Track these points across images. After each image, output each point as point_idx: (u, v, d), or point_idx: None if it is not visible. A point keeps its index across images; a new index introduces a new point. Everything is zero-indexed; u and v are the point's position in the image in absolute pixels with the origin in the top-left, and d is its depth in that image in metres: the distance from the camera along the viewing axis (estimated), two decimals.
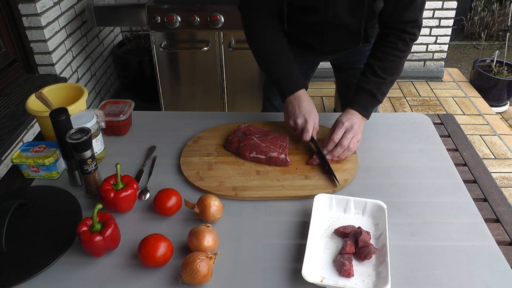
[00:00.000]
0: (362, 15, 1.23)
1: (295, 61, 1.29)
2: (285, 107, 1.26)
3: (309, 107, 1.22)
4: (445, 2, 3.25)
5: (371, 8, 1.21)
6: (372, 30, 1.35)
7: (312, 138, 1.20)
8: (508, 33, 3.45)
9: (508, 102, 3.32)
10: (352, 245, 0.89)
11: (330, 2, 1.20)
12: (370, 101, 1.20)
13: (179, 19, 2.31)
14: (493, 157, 2.65)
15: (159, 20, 2.32)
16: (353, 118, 1.17)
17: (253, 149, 1.16)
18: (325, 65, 1.66)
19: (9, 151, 1.87)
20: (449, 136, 1.32)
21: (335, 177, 1.09)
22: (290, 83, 1.25)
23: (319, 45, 1.40)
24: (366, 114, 1.20)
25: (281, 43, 1.29)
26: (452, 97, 3.31)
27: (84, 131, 0.98)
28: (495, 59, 3.34)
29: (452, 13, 3.32)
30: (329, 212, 1.00)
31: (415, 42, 1.22)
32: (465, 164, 1.20)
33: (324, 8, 1.23)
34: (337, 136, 1.14)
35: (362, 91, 1.21)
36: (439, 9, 3.29)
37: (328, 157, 1.14)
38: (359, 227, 0.92)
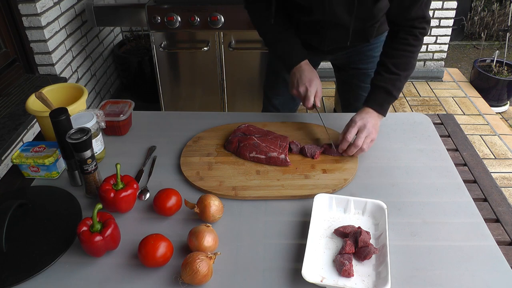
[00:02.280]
0: (360, 14, 1.23)
1: (295, 35, 1.34)
2: (290, 79, 1.33)
3: (310, 76, 1.28)
4: (445, 2, 3.25)
5: (370, 8, 1.21)
6: (371, 30, 1.35)
7: (314, 105, 1.26)
8: (508, 33, 3.45)
9: (508, 102, 3.32)
10: (352, 245, 0.89)
11: (326, 3, 1.20)
12: (386, 98, 1.21)
13: (179, 19, 2.31)
14: (493, 157, 2.65)
15: (159, 20, 2.32)
16: (367, 117, 1.17)
17: (253, 149, 1.16)
18: (325, 65, 1.67)
19: (9, 151, 1.87)
20: (449, 136, 1.32)
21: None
22: (293, 56, 1.33)
23: (318, 45, 1.40)
24: (382, 111, 1.21)
25: (281, 21, 1.34)
26: (452, 97, 3.31)
27: (84, 131, 0.98)
28: (495, 59, 3.34)
29: (452, 13, 3.32)
30: (329, 212, 1.00)
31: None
32: (465, 164, 1.20)
33: (320, 7, 1.23)
34: (351, 135, 1.15)
35: (377, 89, 1.21)
36: (439, 9, 3.29)
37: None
38: (359, 227, 0.92)
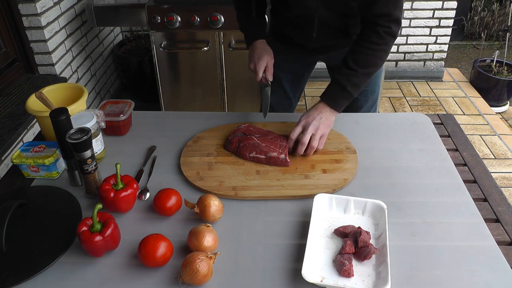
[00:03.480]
0: (333, 7, 1.23)
1: (261, 18, 1.43)
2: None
3: (260, 53, 1.31)
4: (445, 2, 3.25)
5: (346, 5, 1.21)
6: (355, 28, 1.33)
7: (266, 79, 1.29)
8: (508, 33, 3.45)
9: (508, 102, 3.32)
10: (352, 245, 0.89)
11: None
12: (339, 92, 1.19)
13: (179, 19, 2.31)
14: (493, 157, 2.65)
15: (159, 20, 2.32)
16: (314, 114, 1.17)
17: (253, 149, 1.16)
18: (324, 65, 1.67)
19: (9, 151, 1.87)
20: (449, 136, 1.32)
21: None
22: (250, 34, 1.40)
23: (304, 42, 1.41)
24: (335, 106, 1.19)
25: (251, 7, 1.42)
26: (452, 97, 3.31)
27: (84, 131, 0.98)
28: (495, 59, 3.34)
29: (452, 13, 3.32)
30: (329, 212, 1.00)
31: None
32: (465, 164, 1.20)
33: (295, 3, 1.25)
34: (294, 133, 1.15)
35: (332, 82, 1.21)
36: (439, 9, 3.29)
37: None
38: (359, 227, 0.92)
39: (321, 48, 1.44)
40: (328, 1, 1.22)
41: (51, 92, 1.31)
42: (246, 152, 1.17)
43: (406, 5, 3.25)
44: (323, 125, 1.16)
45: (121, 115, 1.28)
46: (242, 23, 1.44)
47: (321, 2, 1.23)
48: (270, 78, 1.29)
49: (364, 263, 0.87)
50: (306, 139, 1.14)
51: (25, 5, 2.18)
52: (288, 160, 1.15)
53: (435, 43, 3.45)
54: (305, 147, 1.15)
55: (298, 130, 1.15)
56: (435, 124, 1.37)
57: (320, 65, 1.65)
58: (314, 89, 3.42)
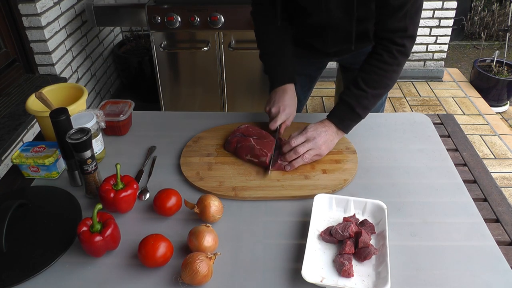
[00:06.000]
0: (359, 16, 1.21)
1: (291, 56, 1.30)
2: (269, 95, 1.28)
3: (289, 102, 1.24)
4: (445, 2, 3.25)
5: (368, 9, 1.19)
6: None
7: (277, 130, 1.22)
8: (508, 33, 3.45)
9: (508, 102, 3.32)
10: (352, 245, 0.89)
11: (322, 3, 1.18)
12: (348, 114, 1.15)
13: (179, 19, 2.31)
14: (493, 157, 2.65)
15: (159, 20, 2.32)
16: (322, 131, 1.13)
17: (249, 152, 1.16)
18: (328, 65, 1.67)
19: (9, 151, 1.87)
20: (449, 136, 1.32)
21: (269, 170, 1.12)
22: (281, 76, 1.28)
23: (322, 47, 1.39)
24: (343, 127, 1.16)
25: (280, 37, 1.30)
26: (452, 97, 3.31)
27: (84, 131, 0.98)
28: (495, 59, 3.34)
29: (452, 13, 3.32)
30: (329, 212, 1.00)
31: (409, 56, 1.15)
32: (465, 164, 1.20)
33: (317, 10, 1.21)
34: (296, 141, 1.11)
35: (341, 102, 1.16)
36: (439, 9, 3.29)
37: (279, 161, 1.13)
38: (359, 228, 0.92)
39: (337, 51, 1.41)
40: (346, 9, 1.17)
41: (51, 92, 1.31)
42: (243, 153, 1.17)
43: None
44: (325, 146, 1.13)
45: (121, 115, 1.28)
46: (270, 58, 1.30)
47: (344, 11, 1.18)
48: (281, 132, 1.22)
49: (364, 263, 0.87)
50: (302, 150, 1.10)
51: (25, 5, 2.18)
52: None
53: (435, 43, 3.45)
54: (296, 157, 1.11)
55: (300, 140, 1.11)
56: (435, 124, 1.37)
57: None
58: (314, 89, 3.41)
